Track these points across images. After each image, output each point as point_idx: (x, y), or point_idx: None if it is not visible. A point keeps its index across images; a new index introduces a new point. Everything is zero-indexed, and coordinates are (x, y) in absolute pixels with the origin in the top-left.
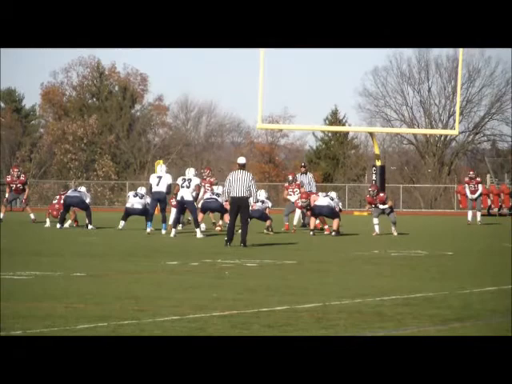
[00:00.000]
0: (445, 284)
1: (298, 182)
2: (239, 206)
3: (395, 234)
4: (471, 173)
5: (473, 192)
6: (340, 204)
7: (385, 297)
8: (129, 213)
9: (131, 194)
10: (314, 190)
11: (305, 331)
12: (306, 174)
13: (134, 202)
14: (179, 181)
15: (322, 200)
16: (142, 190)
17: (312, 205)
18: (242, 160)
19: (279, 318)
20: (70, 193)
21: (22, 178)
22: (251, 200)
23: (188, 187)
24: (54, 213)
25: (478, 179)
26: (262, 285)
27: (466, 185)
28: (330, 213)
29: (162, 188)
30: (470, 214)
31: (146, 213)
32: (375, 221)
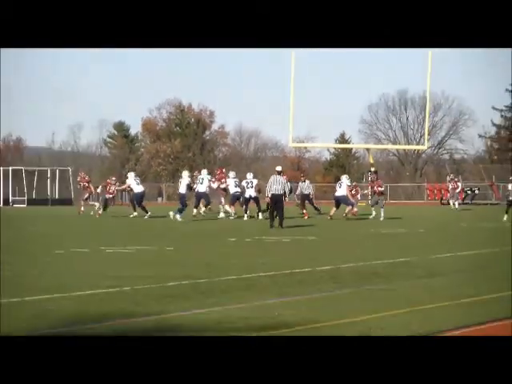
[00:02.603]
0: (418, 251)
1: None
2: (277, 200)
3: (382, 216)
4: (452, 175)
5: (454, 188)
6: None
7: (378, 261)
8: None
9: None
10: (311, 192)
11: (323, 285)
12: (304, 181)
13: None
14: (243, 183)
15: (339, 191)
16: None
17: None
18: (278, 168)
19: (306, 276)
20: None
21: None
22: (287, 193)
23: (252, 187)
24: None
25: (456, 179)
26: (293, 254)
27: (449, 183)
28: (345, 201)
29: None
30: (451, 202)
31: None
32: (372, 208)
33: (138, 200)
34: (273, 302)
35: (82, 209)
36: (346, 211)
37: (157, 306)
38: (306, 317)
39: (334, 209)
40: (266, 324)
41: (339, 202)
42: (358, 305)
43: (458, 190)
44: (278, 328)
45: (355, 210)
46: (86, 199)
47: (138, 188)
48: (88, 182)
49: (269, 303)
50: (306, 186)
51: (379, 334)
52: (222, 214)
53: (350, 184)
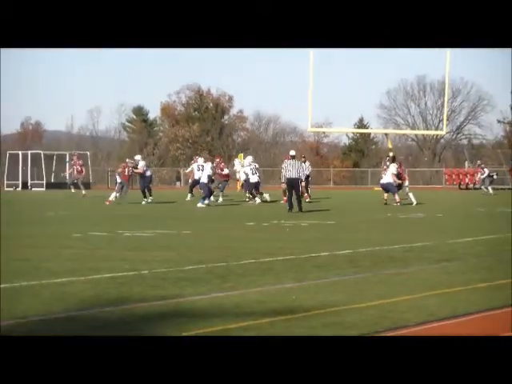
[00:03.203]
0: (436, 236)
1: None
2: (293, 184)
3: (414, 200)
4: (479, 161)
5: (482, 174)
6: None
7: (396, 245)
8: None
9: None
10: (308, 173)
11: (341, 270)
12: (304, 162)
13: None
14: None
15: (384, 178)
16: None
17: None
18: (292, 152)
19: (323, 260)
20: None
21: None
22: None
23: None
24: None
25: (483, 165)
26: (311, 238)
27: (479, 169)
28: (390, 188)
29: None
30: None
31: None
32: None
33: (145, 184)
34: (290, 286)
35: (84, 192)
36: (385, 196)
37: (174, 290)
38: (323, 301)
39: (386, 194)
40: (283, 308)
41: (386, 189)
42: (376, 289)
43: (484, 176)
44: (296, 312)
45: (398, 198)
46: (76, 183)
47: (148, 172)
48: (81, 166)
49: (286, 287)
50: (306, 167)
51: (399, 318)
52: (220, 199)
53: (395, 172)
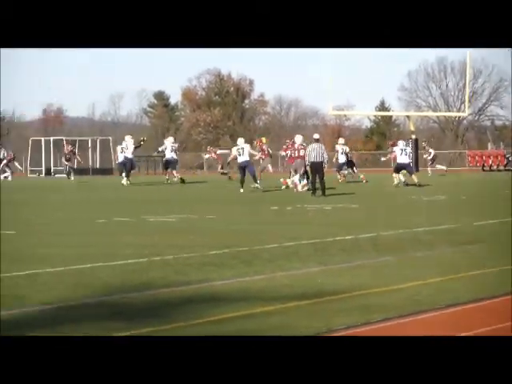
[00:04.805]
0: (460, 218)
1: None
2: (316, 168)
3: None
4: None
5: None
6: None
7: (420, 228)
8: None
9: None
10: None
11: (365, 253)
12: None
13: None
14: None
15: (402, 158)
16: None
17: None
18: (316, 136)
19: (348, 244)
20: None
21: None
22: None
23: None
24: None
25: None
26: (335, 222)
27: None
28: (409, 168)
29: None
30: None
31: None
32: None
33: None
34: (316, 269)
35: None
36: (403, 178)
37: (198, 275)
38: (349, 284)
39: (400, 175)
40: (309, 292)
41: (404, 168)
42: (401, 272)
43: None
44: (321, 296)
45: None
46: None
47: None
48: (73, 153)
49: (312, 271)
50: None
51: (427, 301)
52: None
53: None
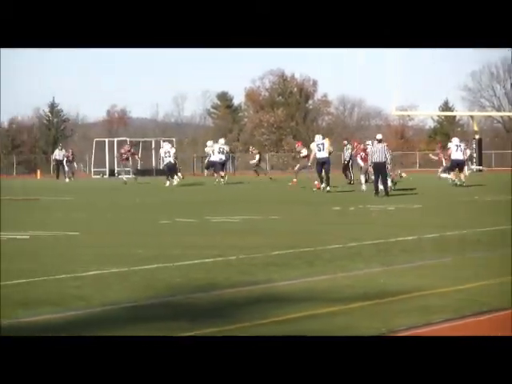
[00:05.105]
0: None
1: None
2: (379, 168)
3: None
4: None
5: None
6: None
7: (483, 228)
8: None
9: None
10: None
11: (428, 253)
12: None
13: None
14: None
15: (457, 154)
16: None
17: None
18: (379, 136)
19: (411, 244)
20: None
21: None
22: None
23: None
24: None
25: None
26: (398, 222)
27: None
28: (459, 163)
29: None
30: None
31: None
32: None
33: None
34: (378, 270)
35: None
36: (453, 176)
37: (262, 275)
38: (410, 285)
39: (452, 173)
40: (371, 293)
41: (458, 165)
42: (463, 273)
43: None
44: (383, 297)
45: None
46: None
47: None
48: (131, 153)
49: (374, 271)
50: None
51: (488, 302)
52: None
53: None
